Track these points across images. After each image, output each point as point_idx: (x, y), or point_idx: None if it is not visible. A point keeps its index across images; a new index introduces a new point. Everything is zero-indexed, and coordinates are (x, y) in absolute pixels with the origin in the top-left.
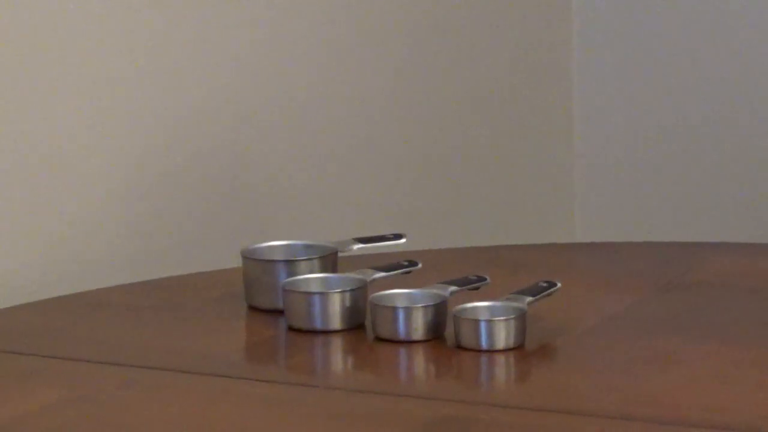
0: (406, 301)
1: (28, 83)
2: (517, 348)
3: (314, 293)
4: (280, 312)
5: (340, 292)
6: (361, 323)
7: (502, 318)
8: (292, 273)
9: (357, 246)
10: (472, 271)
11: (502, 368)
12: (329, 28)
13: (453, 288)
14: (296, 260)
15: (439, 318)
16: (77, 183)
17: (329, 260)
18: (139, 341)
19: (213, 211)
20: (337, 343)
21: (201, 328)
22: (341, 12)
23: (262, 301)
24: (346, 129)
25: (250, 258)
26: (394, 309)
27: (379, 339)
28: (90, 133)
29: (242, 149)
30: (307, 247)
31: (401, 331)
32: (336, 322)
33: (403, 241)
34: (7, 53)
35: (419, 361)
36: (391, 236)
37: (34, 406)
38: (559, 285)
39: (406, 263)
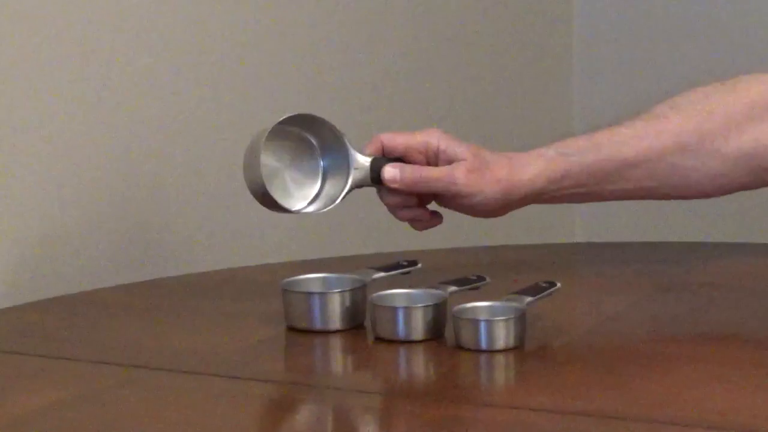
0: (406, 301)
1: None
2: (517, 348)
3: (314, 293)
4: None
5: (339, 292)
6: (361, 323)
7: (501, 318)
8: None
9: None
10: (472, 271)
11: (502, 368)
12: (325, 25)
13: (453, 288)
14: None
15: (438, 318)
16: (76, 182)
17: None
18: (139, 341)
19: (211, 210)
20: (336, 343)
21: (201, 328)
22: (344, 9)
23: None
24: (340, 123)
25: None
26: (394, 309)
27: (379, 339)
28: (88, 131)
29: (236, 149)
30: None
31: (401, 331)
32: (336, 322)
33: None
34: None
35: (419, 361)
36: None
37: (34, 406)
38: (559, 285)
39: (405, 263)
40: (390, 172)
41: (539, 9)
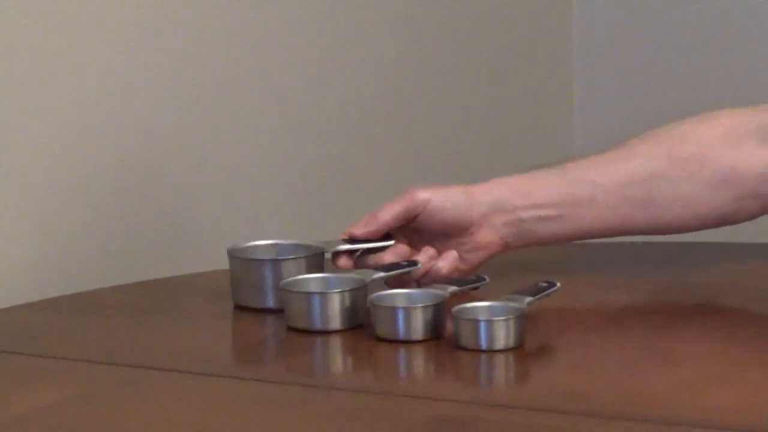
0: (406, 301)
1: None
2: (517, 348)
3: (314, 293)
4: (267, 311)
5: (339, 292)
6: (361, 323)
7: (501, 318)
8: (277, 272)
9: (345, 246)
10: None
11: (502, 368)
12: (324, 26)
13: (453, 288)
14: (282, 259)
15: (438, 318)
16: (76, 182)
17: (315, 260)
18: (139, 341)
19: (211, 210)
20: (336, 343)
21: (201, 328)
22: (343, 14)
23: (249, 300)
24: (339, 126)
25: (236, 257)
26: (394, 309)
27: (379, 339)
28: (88, 131)
29: (235, 149)
30: (296, 246)
31: (401, 331)
32: (336, 322)
33: (392, 243)
34: None
35: (419, 361)
36: (380, 237)
37: (34, 406)
38: (559, 285)
39: (405, 263)
40: (356, 227)
41: (539, 13)
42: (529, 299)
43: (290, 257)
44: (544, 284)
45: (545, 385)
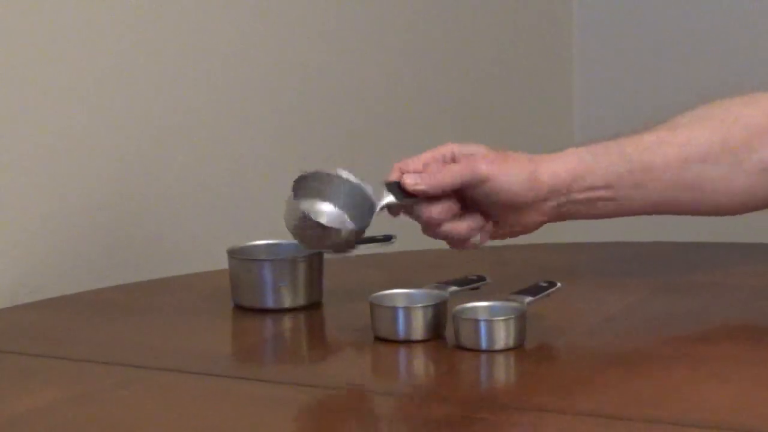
0: (406, 301)
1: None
2: (517, 348)
3: None
4: (267, 311)
5: None
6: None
7: (501, 318)
8: (277, 272)
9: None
10: (472, 271)
11: (502, 368)
12: (326, 27)
13: (453, 288)
14: (282, 259)
15: (439, 318)
16: (76, 182)
17: (315, 260)
18: (139, 341)
19: (212, 210)
20: (336, 344)
21: (200, 328)
22: (345, 14)
23: (248, 300)
24: (339, 126)
25: (236, 257)
26: (394, 309)
27: (379, 339)
28: (88, 131)
29: (235, 149)
30: (296, 246)
31: (401, 331)
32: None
33: (392, 242)
34: None
35: (419, 361)
36: (381, 237)
37: (34, 406)
38: (559, 285)
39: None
40: (411, 176)
41: (539, 13)
42: (529, 299)
43: (290, 257)
44: (544, 284)
45: (545, 385)
